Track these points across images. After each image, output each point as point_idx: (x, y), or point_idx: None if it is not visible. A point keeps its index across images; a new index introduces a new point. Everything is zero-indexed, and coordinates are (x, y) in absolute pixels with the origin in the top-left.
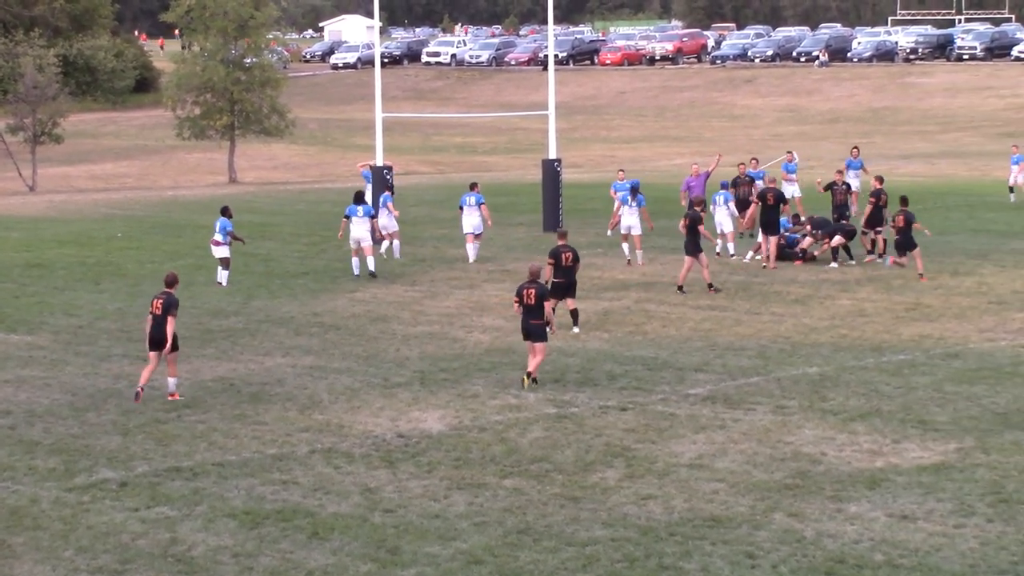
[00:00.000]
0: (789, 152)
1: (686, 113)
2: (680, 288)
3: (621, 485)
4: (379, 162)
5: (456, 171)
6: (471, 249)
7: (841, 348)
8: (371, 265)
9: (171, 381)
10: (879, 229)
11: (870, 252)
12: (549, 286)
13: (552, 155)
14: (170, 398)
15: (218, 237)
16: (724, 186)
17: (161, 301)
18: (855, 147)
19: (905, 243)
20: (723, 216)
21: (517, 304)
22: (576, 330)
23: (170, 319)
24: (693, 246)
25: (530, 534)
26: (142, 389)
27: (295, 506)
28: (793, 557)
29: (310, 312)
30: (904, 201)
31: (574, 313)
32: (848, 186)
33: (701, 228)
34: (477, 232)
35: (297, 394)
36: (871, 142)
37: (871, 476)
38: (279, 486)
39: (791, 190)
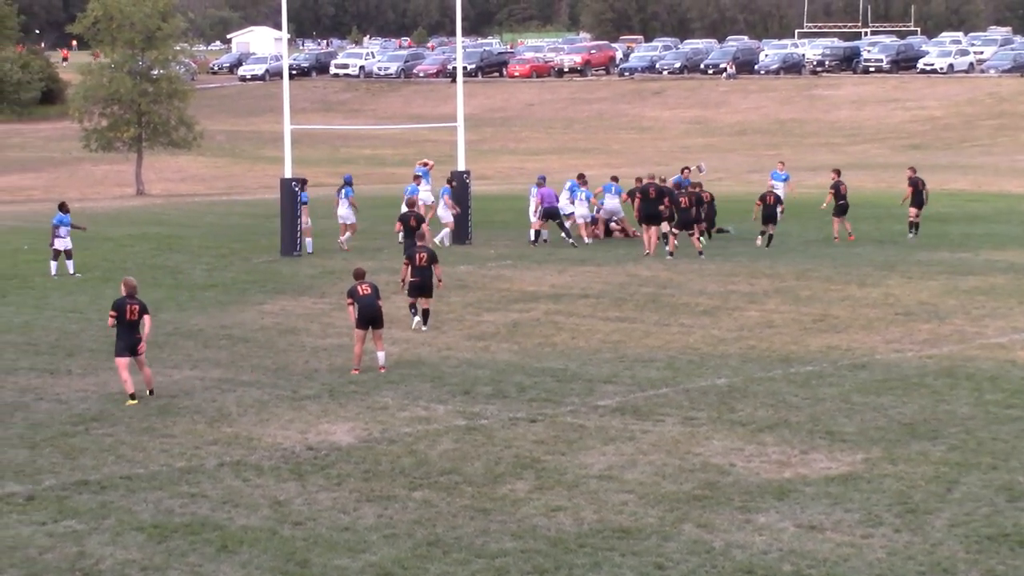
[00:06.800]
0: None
1: (594, 125)
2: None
3: (530, 497)
4: (288, 174)
5: (365, 183)
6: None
7: (749, 359)
8: None
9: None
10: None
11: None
12: (406, 287)
13: (461, 167)
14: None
15: None
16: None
17: (368, 286)
18: (685, 168)
19: (700, 218)
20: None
21: None
22: (424, 329)
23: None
24: None
25: (440, 546)
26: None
27: (204, 519)
28: (702, 568)
29: (218, 324)
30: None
31: (425, 313)
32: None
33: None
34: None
35: (206, 407)
36: (778, 154)
37: (779, 487)
38: (187, 499)
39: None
